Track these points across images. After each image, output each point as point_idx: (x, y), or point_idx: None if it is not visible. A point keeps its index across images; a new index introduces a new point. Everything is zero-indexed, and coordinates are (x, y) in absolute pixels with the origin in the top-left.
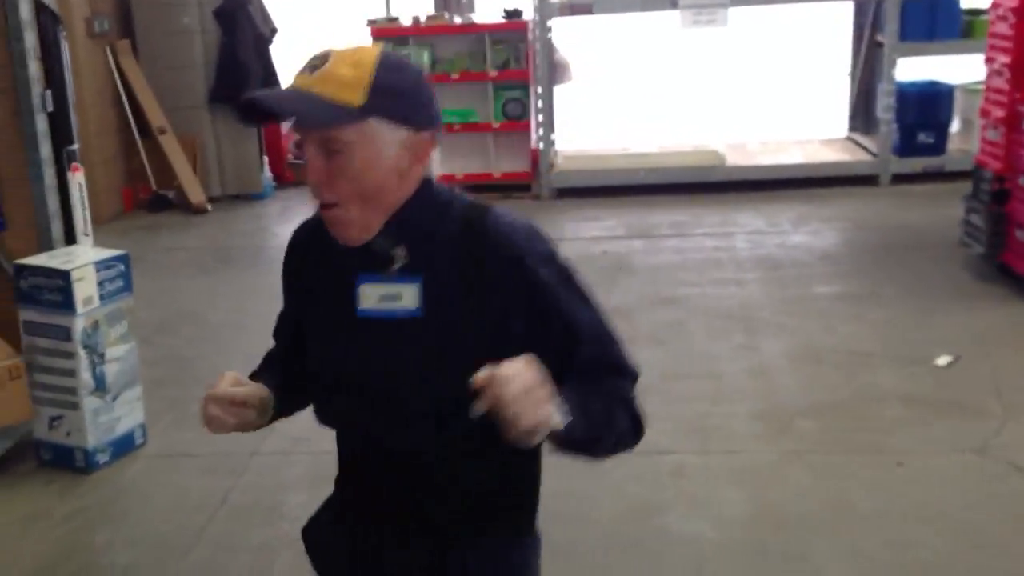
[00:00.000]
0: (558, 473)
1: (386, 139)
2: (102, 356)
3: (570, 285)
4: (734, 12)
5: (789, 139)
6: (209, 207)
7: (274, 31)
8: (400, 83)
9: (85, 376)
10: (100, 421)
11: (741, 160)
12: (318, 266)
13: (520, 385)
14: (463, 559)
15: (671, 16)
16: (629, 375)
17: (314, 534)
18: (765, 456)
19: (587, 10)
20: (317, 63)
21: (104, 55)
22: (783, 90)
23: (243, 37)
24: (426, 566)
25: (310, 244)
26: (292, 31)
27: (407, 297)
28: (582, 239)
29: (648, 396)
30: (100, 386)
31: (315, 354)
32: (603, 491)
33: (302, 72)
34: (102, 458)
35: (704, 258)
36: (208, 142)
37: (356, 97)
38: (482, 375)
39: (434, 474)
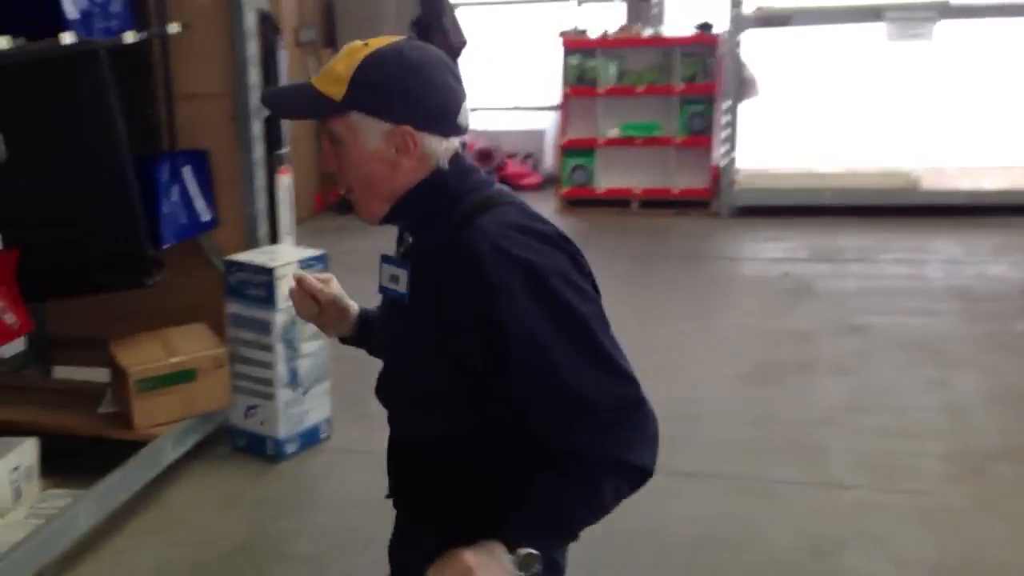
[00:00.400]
0: (729, 497)
1: (368, 131)
2: (297, 351)
3: (543, 319)
4: (940, 26)
5: (991, 164)
6: None
7: (463, 43)
8: (380, 77)
9: (281, 369)
10: (291, 413)
11: (937, 184)
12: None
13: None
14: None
15: (870, 29)
16: (596, 432)
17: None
18: (955, 499)
19: (784, 22)
20: (333, 61)
21: (307, 64)
22: (987, 111)
23: (438, 47)
24: (429, 552)
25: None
26: (481, 44)
27: (402, 281)
28: (762, 259)
29: (829, 428)
30: (293, 379)
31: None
32: (777, 521)
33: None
34: (290, 448)
35: (893, 286)
36: None
37: (338, 91)
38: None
39: (425, 461)
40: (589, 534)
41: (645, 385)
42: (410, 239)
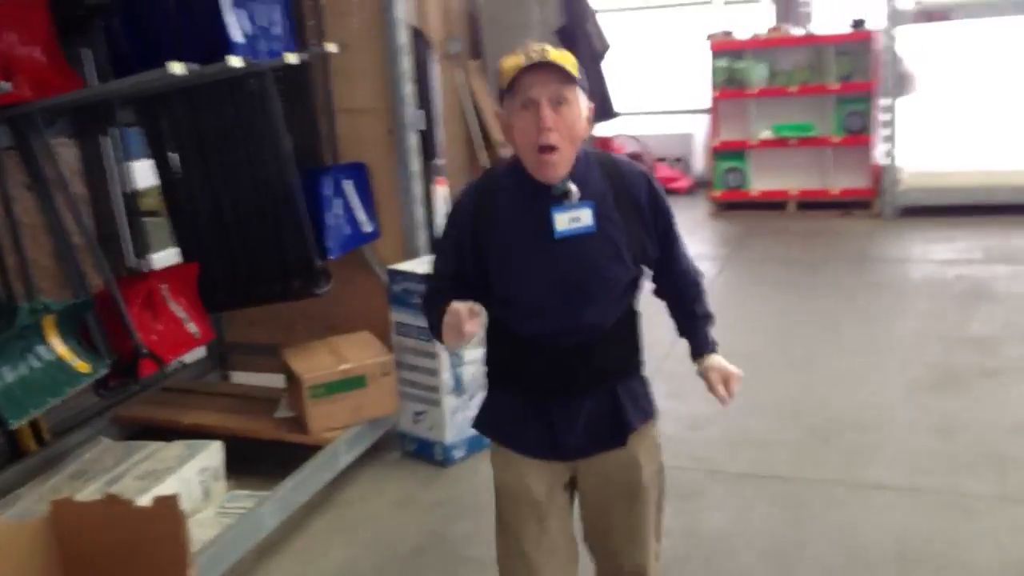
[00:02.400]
0: (920, 510)
1: (582, 103)
2: (461, 358)
3: (670, 209)
4: None
5: None
6: None
7: (607, 48)
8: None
9: (446, 376)
10: (457, 419)
11: None
12: (509, 211)
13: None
14: (620, 389)
15: None
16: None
17: (490, 418)
18: None
19: (944, 16)
20: (545, 50)
21: (454, 75)
22: None
23: (580, 55)
24: (602, 402)
25: (489, 199)
26: (627, 48)
27: (585, 218)
28: (932, 262)
29: (1020, 437)
30: (458, 386)
31: (514, 274)
32: (972, 537)
33: (535, 52)
34: (457, 453)
35: None
36: None
37: (576, 72)
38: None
39: (606, 340)
40: (782, 543)
41: (816, 393)
42: (575, 189)
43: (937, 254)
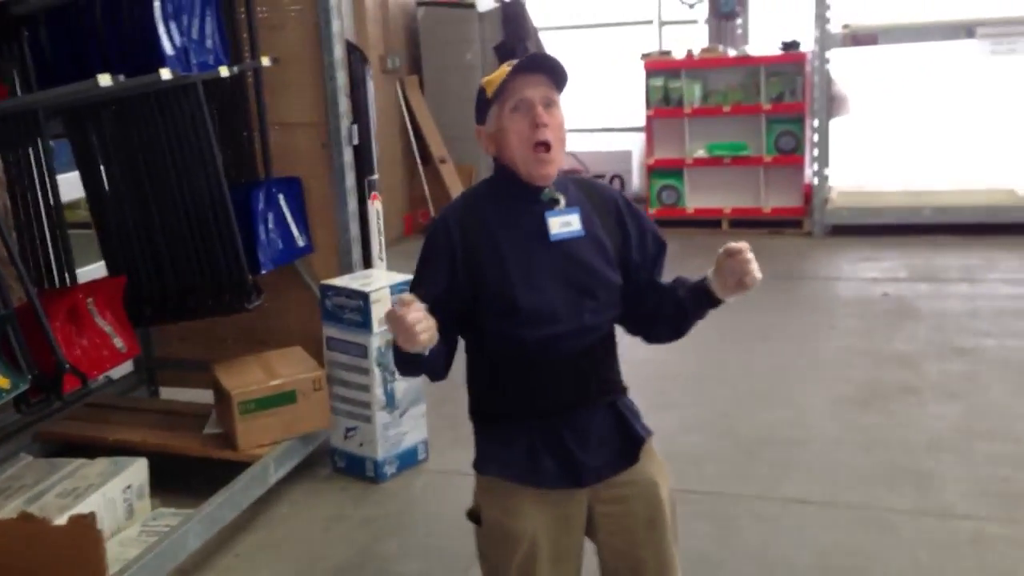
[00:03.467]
0: (840, 525)
1: (562, 107)
2: (393, 374)
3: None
4: None
5: None
6: None
7: None
8: None
9: (378, 392)
10: (389, 435)
11: None
12: (500, 221)
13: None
14: (621, 404)
15: (963, 46)
16: None
17: (497, 457)
18: None
19: (872, 40)
20: (537, 53)
21: (395, 89)
22: None
23: None
24: (607, 417)
25: (475, 214)
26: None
27: (574, 223)
28: (859, 279)
29: (941, 454)
30: (390, 402)
31: (521, 279)
32: (891, 551)
33: (535, 58)
34: (389, 470)
35: (1000, 307)
36: (483, 172)
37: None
38: (737, 245)
39: (606, 347)
40: (701, 559)
41: (745, 409)
42: (558, 195)
43: (864, 272)
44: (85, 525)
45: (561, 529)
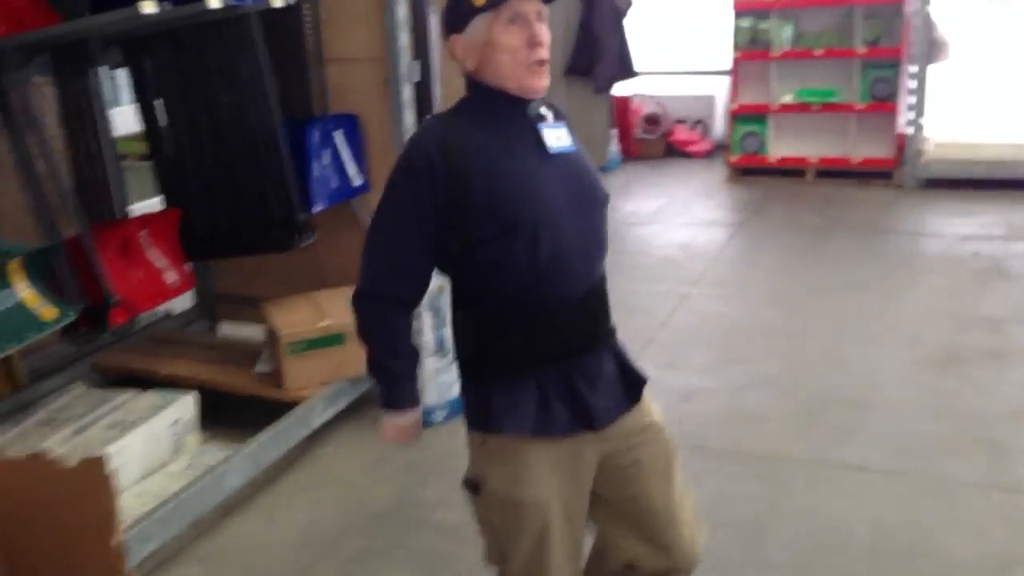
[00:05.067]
0: (902, 496)
1: None
2: (444, 319)
3: None
4: None
5: None
6: None
7: (629, 5)
8: None
9: (428, 336)
10: (439, 381)
11: None
12: (490, 140)
13: None
14: (619, 346)
15: None
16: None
17: (507, 411)
18: None
19: None
20: None
21: None
22: None
23: (602, 12)
24: (609, 359)
25: (459, 137)
26: (649, 5)
27: (564, 138)
28: (949, 236)
29: (1019, 423)
30: (441, 347)
31: (526, 193)
32: (956, 527)
33: None
34: (438, 416)
35: None
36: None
37: None
38: None
39: (604, 285)
40: (755, 523)
41: (814, 367)
42: (544, 109)
43: (956, 228)
44: (96, 468)
45: (573, 488)
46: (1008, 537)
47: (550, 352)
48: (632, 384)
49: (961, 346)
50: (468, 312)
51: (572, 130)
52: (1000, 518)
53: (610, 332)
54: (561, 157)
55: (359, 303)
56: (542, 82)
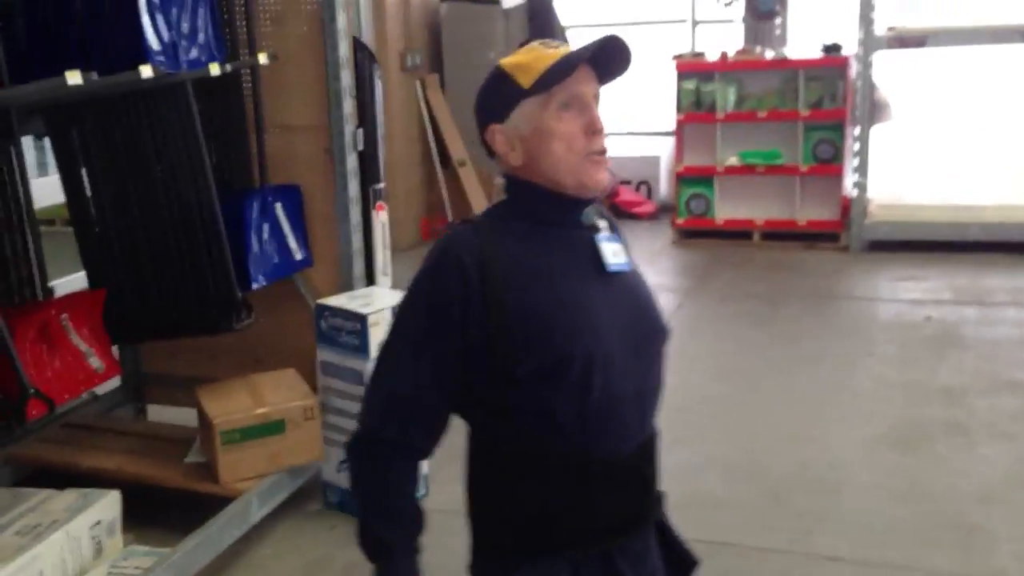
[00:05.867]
0: None
1: None
2: None
3: None
4: None
5: None
6: None
7: None
8: None
9: None
10: None
11: None
12: (536, 253)
13: None
14: (665, 518)
15: (1014, 51)
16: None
17: None
18: None
19: (919, 43)
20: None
21: (414, 89)
22: None
23: None
24: (653, 535)
25: (496, 248)
26: None
27: (621, 253)
28: (900, 301)
29: (990, 506)
30: None
31: (574, 321)
32: None
33: (610, 43)
34: None
35: None
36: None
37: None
38: None
39: (654, 440)
40: None
41: (773, 446)
42: (596, 218)
43: (905, 293)
44: None
45: None
46: None
47: (592, 527)
48: (679, 567)
49: (924, 420)
50: (491, 469)
51: (627, 245)
52: None
53: (660, 499)
54: (618, 278)
55: (357, 449)
56: (603, 176)
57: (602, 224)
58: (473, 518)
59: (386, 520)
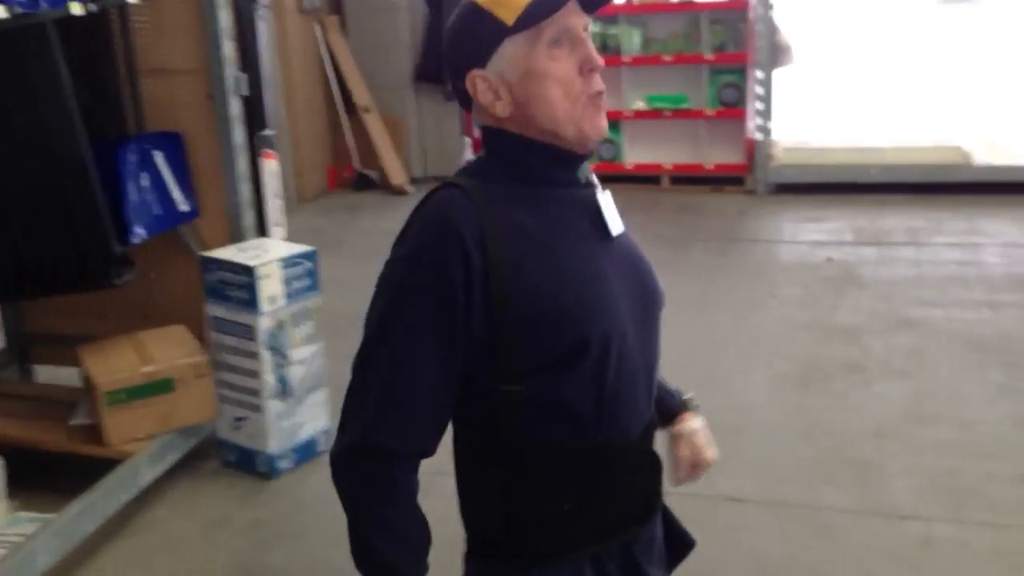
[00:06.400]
0: (778, 528)
1: None
2: (286, 357)
3: None
4: None
5: None
6: (410, 189)
7: None
8: None
9: (268, 378)
10: (283, 425)
11: (991, 159)
12: (537, 225)
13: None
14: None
15: None
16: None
17: None
18: None
19: None
20: None
21: (313, 31)
22: None
23: (449, 16)
24: (660, 527)
25: (497, 216)
26: None
27: (616, 213)
28: (802, 243)
29: (885, 442)
30: (283, 389)
31: (585, 314)
32: (835, 559)
33: None
34: (284, 464)
35: (947, 274)
36: (411, 122)
37: None
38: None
39: (654, 418)
40: None
41: (687, 390)
42: (590, 173)
43: (808, 234)
44: None
45: None
46: (886, 567)
47: (615, 518)
48: (677, 548)
49: (824, 360)
50: (495, 470)
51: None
52: (878, 549)
53: (660, 483)
54: (618, 241)
55: (345, 463)
56: (604, 122)
57: (595, 180)
58: (472, 525)
59: (390, 540)
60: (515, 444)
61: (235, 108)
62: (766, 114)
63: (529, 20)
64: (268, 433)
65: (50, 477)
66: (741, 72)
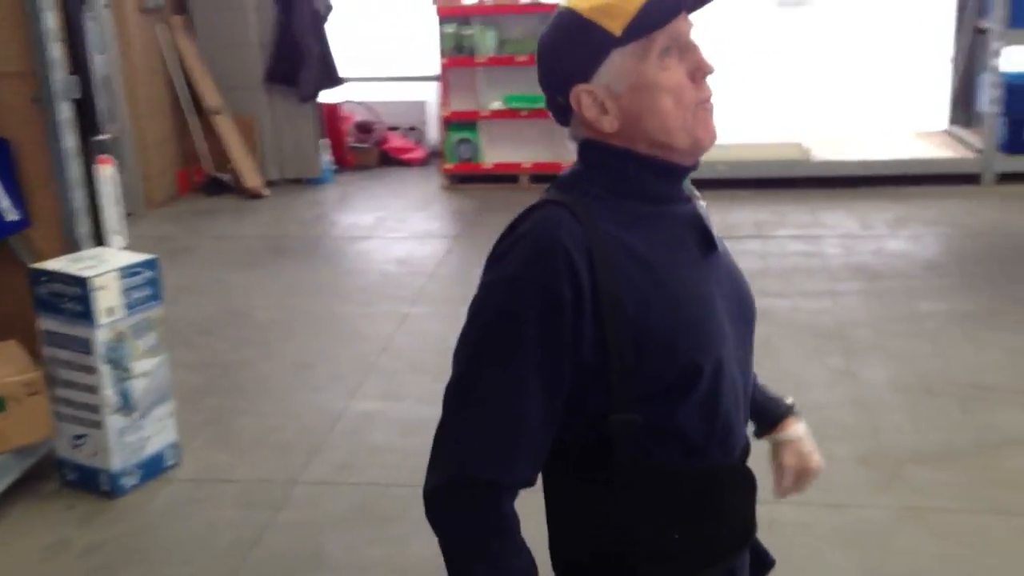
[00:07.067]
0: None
1: None
2: (128, 371)
3: None
4: None
5: (883, 132)
6: (265, 192)
7: (329, 8)
8: None
9: (109, 393)
10: (126, 441)
11: (829, 154)
12: (646, 245)
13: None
14: None
15: None
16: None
17: None
18: (874, 511)
19: None
20: None
21: (155, 30)
22: (876, 79)
23: (299, 15)
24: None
25: (605, 242)
26: (347, 8)
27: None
28: None
29: None
30: (126, 403)
31: (697, 340)
32: None
33: None
34: (129, 482)
35: (791, 265)
36: (265, 124)
37: None
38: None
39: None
40: None
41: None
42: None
43: None
44: None
45: None
46: None
47: (718, 544)
48: (758, 568)
49: None
50: (598, 496)
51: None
52: None
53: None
54: (718, 256)
55: (444, 498)
56: (715, 128)
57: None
58: (565, 555)
59: (494, 572)
60: (624, 473)
61: (65, 112)
62: None
63: (640, 30)
64: (110, 450)
65: None
66: None
